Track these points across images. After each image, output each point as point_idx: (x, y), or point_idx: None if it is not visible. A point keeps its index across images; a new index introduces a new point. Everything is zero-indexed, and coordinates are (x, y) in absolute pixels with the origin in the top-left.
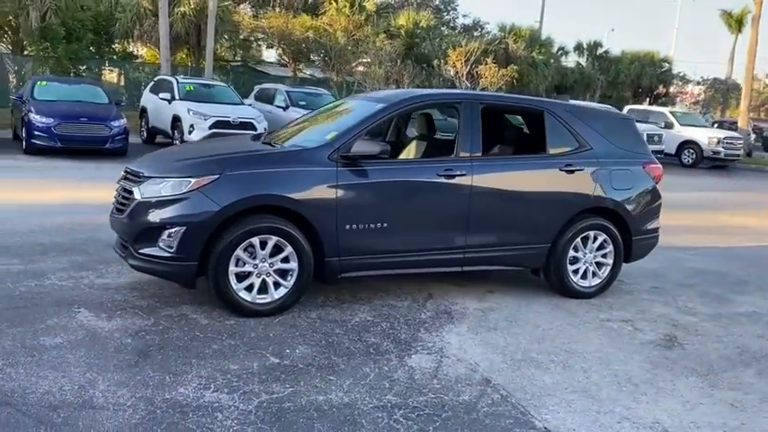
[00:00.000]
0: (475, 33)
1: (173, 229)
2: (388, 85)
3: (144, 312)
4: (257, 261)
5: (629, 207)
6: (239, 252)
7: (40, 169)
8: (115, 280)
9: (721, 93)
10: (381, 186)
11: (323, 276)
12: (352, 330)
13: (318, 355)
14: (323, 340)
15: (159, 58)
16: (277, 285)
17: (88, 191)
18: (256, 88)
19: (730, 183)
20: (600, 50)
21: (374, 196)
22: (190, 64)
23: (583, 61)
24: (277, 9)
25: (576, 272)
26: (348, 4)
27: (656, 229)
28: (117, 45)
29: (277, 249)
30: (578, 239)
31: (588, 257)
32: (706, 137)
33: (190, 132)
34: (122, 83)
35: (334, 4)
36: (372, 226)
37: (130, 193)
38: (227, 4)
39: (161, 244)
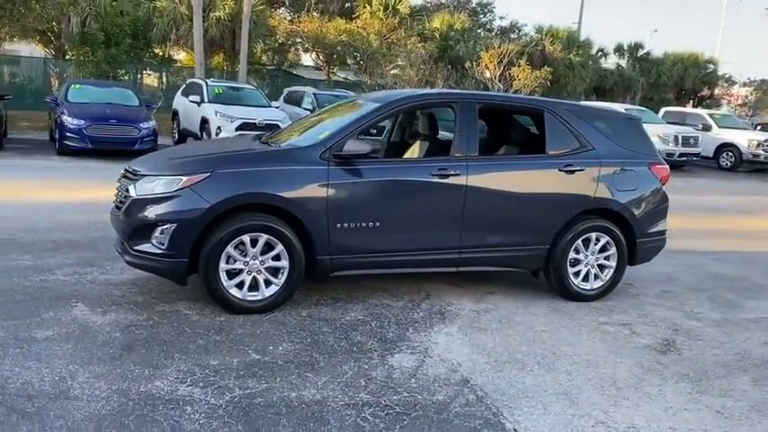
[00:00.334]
0: (512, 35)
1: (164, 226)
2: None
3: (138, 308)
4: (248, 258)
5: (633, 209)
6: (230, 249)
7: (71, 169)
8: (118, 276)
9: None
10: (373, 185)
11: (315, 275)
12: (340, 329)
13: (300, 353)
14: (308, 338)
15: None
16: (268, 283)
17: (111, 190)
18: (286, 91)
19: None
20: (641, 52)
21: (366, 195)
22: (225, 68)
23: (623, 63)
24: (315, 14)
25: (577, 274)
26: (382, 8)
27: (662, 232)
28: (157, 50)
29: (268, 247)
30: (579, 241)
31: (590, 260)
32: (746, 139)
33: (217, 134)
34: (163, 86)
35: (368, 7)
36: (364, 225)
37: (128, 190)
38: (261, 8)
39: (154, 241)
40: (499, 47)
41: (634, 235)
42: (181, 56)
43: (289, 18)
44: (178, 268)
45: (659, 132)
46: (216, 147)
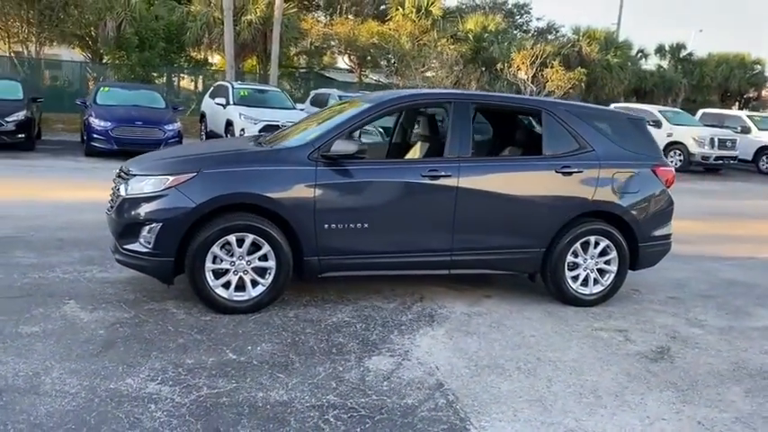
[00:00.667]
0: (549, 36)
1: (151, 225)
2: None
3: (128, 306)
4: (234, 258)
5: (635, 212)
6: (216, 249)
7: (95, 170)
8: (115, 275)
9: None
10: (362, 186)
11: (303, 276)
12: (324, 330)
13: (278, 353)
14: (289, 339)
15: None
16: (255, 283)
17: None
18: (312, 93)
19: None
20: (683, 53)
21: (354, 196)
22: (258, 71)
23: (665, 64)
24: (350, 16)
25: (575, 278)
26: (414, 10)
27: (666, 236)
28: (191, 53)
29: (255, 247)
30: (578, 245)
31: (589, 264)
32: None
33: (241, 136)
34: (198, 89)
35: (401, 9)
36: (352, 226)
37: (119, 190)
38: (293, 11)
39: (141, 240)
40: (532, 48)
41: (636, 239)
42: (216, 59)
43: (324, 21)
44: (164, 267)
45: (694, 135)
46: (209, 147)
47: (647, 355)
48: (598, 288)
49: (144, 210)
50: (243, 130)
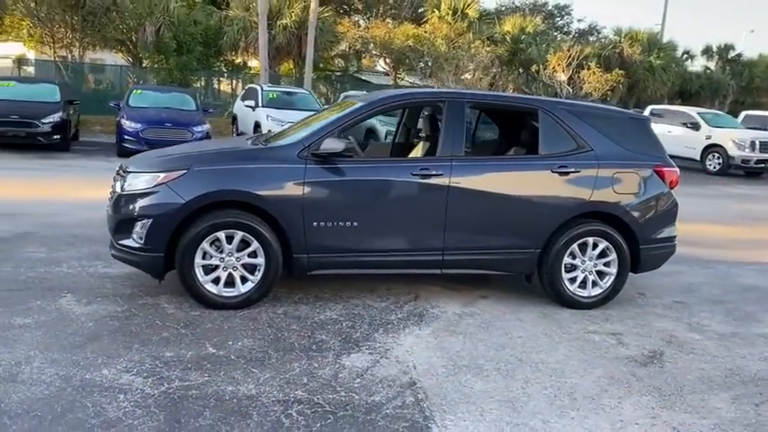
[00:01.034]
0: (590, 38)
1: (142, 221)
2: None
3: (122, 300)
4: (224, 255)
5: (635, 213)
6: (205, 245)
7: None
8: (118, 270)
9: None
10: (351, 185)
11: (293, 273)
12: (309, 327)
13: (257, 349)
14: (272, 335)
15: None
16: (244, 280)
17: None
18: (341, 96)
19: None
20: (732, 54)
21: (343, 194)
22: (294, 74)
23: (712, 65)
24: (388, 20)
25: (573, 280)
26: (450, 12)
27: (670, 238)
28: (230, 57)
29: (245, 244)
30: (575, 246)
31: (587, 265)
32: None
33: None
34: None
35: (437, 12)
36: (341, 224)
37: (115, 187)
38: (327, 15)
39: (134, 235)
40: (568, 50)
41: (637, 241)
42: (254, 63)
43: (364, 24)
44: (155, 262)
45: (734, 137)
46: (206, 146)
47: (637, 359)
48: (597, 291)
49: (136, 206)
50: (270, 131)
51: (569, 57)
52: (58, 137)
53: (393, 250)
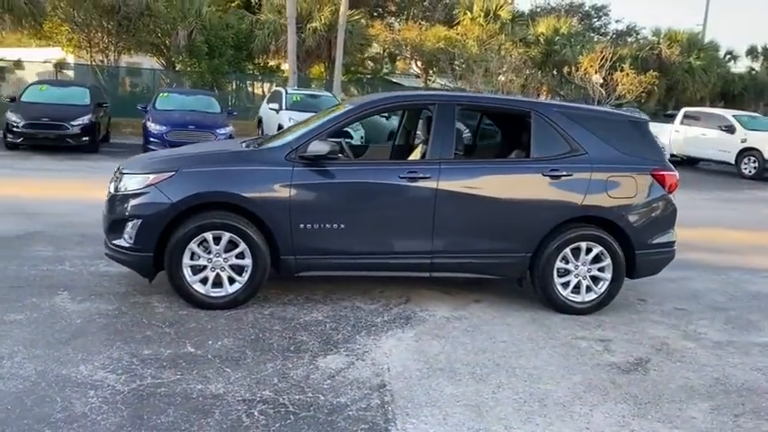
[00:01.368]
0: (628, 39)
1: (132, 222)
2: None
3: (115, 298)
4: (211, 256)
5: (630, 217)
6: (193, 246)
7: None
8: (117, 269)
9: None
10: (338, 187)
11: (281, 274)
12: (292, 328)
13: (234, 349)
14: (254, 335)
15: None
16: (232, 280)
17: None
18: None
19: None
20: None
21: (330, 197)
22: (324, 77)
23: (757, 66)
24: (422, 22)
25: (565, 285)
26: (482, 14)
27: (668, 244)
28: (259, 60)
29: (233, 245)
30: (567, 250)
31: (581, 270)
32: None
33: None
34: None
35: (469, 14)
36: (328, 226)
37: (110, 188)
38: (357, 18)
39: (125, 235)
40: (601, 51)
41: (632, 246)
42: (286, 66)
43: (398, 27)
44: (144, 262)
45: None
46: (202, 148)
47: (620, 367)
48: (591, 296)
49: (127, 206)
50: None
51: (602, 58)
52: (87, 139)
53: (381, 253)
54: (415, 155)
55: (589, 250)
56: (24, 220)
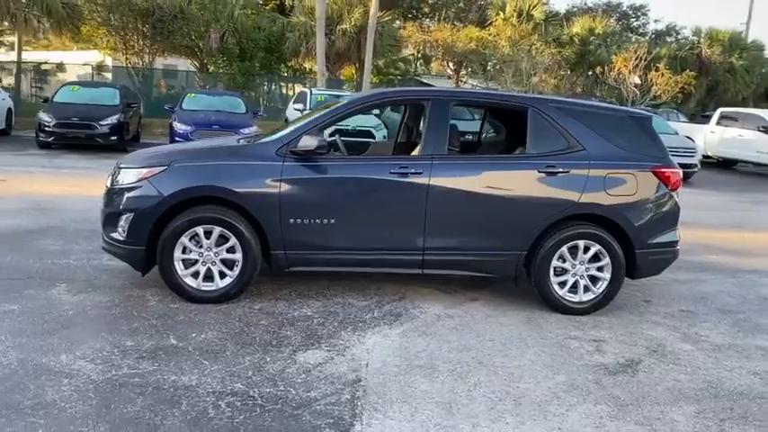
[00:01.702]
0: (668, 39)
1: (125, 215)
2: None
3: (111, 291)
4: (202, 250)
5: (630, 215)
6: (184, 240)
7: None
8: (119, 263)
9: None
10: (328, 182)
11: (272, 268)
12: (278, 323)
13: (217, 342)
14: (239, 329)
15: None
16: (222, 275)
17: None
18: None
19: None
20: None
21: (320, 192)
22: (355, 78)
23: None
24: (456, 23)
25: (562, 284)
26: (515, 14)
27: (670, 243)
28: (295, 62)
29: (224, 240)
30: (564, 249)
31: (578, 269)
32: None
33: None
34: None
35: (501, 14)
36: (318, 222)
37: (107, 182)
38: (387, 19)
39: (119, 229)
40: (635, 50)
41: (632, 245)
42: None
43: (432, 27)
44: (136, 255)
45: None
46: (196, 144)
47: (608, 367)
48: (589, 296)
49: (122, 200)
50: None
51: (636, 57)
52: (115, 138)
53: (371, 249)
54: (417, 151)
55: (587, 249)
56: (41, 216)
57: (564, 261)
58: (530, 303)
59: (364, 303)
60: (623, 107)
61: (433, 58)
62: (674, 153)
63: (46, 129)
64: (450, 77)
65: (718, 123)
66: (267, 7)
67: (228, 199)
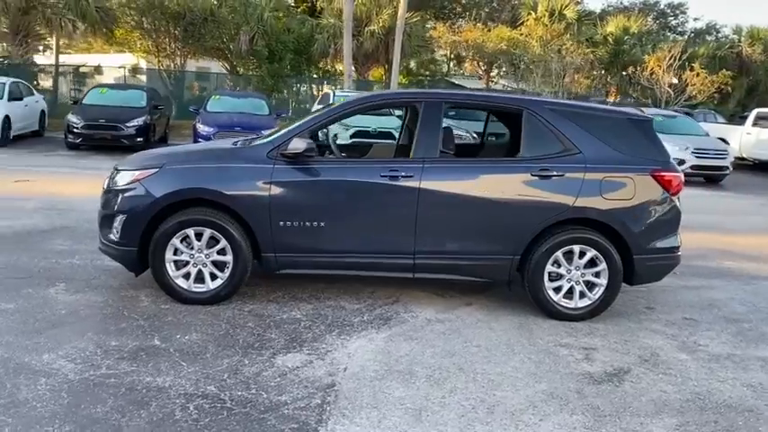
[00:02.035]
0: (708, 37)
1: (119, 217)
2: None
3: (107, 291)
4: (193, 251)
5: (627, 220)
6: (176, 241)
7: None
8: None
9: None
10: (317, 185)
11: (263, 271)
12: (265, 326)
13: (199, 343)
14: (224, 331)
15: (359, 75)
16: (213, 276)
17: None
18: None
19: None
20: None
21: (310, 195)
22: (384, 79)
23: None
24: (489, 23)
25: (557, 290)
26: (547, 14)
27: (671, 249)
28: (324, 64)
29: (215, 242)
30: (559, 254)
31: (574, 275)
32: None
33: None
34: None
35: (533, 14)
36: (308, 224)
37: (104, 184)
38: (416, 20)
39: (114, 230)
40: (669, 50)
41: (630, 250)
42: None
43: (464, 27)
44: (129, 256)
45: None
46: (192, 147)
47: (594, 376)
48: (585, 302)
49: (116, 202)
50: (336, 135)
51: (671, 57)
52: (141, 139)
53: (362, 252)
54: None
55: (582, 254)
56: (56, 216)
57: (559, 266)
58: (525, 309)
59: (356, 307)
60: (623, 109)
61: (468, 59)
62: (704, 155)
63: (74, 130)
64: (480, 78)
65: (754, 124)
66: (299, 9)
67: (219, 201)
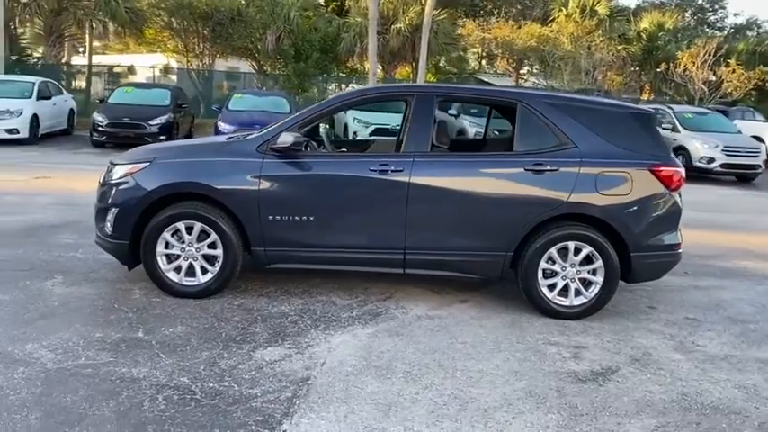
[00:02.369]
0: (748, 33)
1: (112, 210)
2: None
3: (102, 284)
4: (184, 245)
5: (624, 216)
6: (166, 235)
7: None
8: None
9: None
10: (307, 179)
11: (254, 265)
12: (251, 319)
13: (182, 336)
14: (209, 324)
15: (386, 74)
16: (204, 270)
17: None
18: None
19: None
20: None
21: (299, 189)
22: (411, 77)
23: None
24: (520, 19)
25: (552, 287)
26: (578, 10)
27: (671, 246)
28: (350, 63)
29: (206, 235)
30: (553, 250)
31: (568, 272)
32: None
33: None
34: None
35: (564, 10)
36: (297, 219)
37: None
38: (443, 18)
39: (108, 223)
40: (703, 45)
41: (627, 247)
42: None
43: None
44: (121, 249)
45: None
46: (186, 141)
47: (578, 375)
48: (580, 300)
49: (110, 195)
50: (356, 133)
51: (705, 53)
52: (164, 137)
53: (351, 247)
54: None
55: (578, 251)
56: (68, 211)
57: (553, 263)
58: (520, 307)
59: (347, 302)
60: (625, 103)
61: (498, 57)
62: (735, 153)
63: (99, 128)
64: (510, 76)
65: None
66: (328, 8)
67: (209, 195)
